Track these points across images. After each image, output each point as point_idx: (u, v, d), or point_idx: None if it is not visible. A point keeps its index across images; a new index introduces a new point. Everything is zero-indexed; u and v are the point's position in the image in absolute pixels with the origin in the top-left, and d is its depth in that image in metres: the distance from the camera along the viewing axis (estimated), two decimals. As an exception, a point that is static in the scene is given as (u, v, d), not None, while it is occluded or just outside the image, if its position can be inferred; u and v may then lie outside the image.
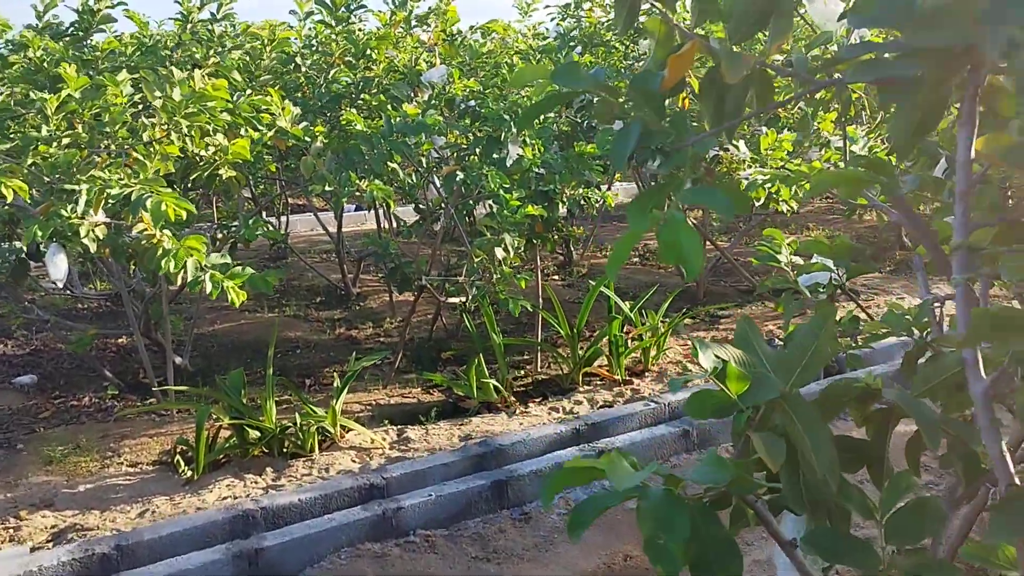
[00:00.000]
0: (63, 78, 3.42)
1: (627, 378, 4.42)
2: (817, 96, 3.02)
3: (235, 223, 4.15)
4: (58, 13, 4.42)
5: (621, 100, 1.17)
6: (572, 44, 6.06)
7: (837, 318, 1.57)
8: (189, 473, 3.47)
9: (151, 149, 3.45)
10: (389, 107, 4.41)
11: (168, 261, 3.13)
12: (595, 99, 1.22)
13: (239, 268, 3.30)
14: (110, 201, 3.26)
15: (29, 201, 3.31)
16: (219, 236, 4.17)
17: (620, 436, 3.76)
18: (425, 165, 4.43)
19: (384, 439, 3.75)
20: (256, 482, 3.40)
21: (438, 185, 4.54)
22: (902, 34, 0.95)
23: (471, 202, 4.49)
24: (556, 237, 4.60)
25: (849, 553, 1.07)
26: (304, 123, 4.21)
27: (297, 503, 3.16)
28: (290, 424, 3.63)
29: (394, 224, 6.76)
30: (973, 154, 0.85)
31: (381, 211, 6.19)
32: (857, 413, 1.25)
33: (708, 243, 5.82)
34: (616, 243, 0.97)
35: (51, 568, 2.78)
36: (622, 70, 5.60)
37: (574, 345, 4.46)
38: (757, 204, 4.35)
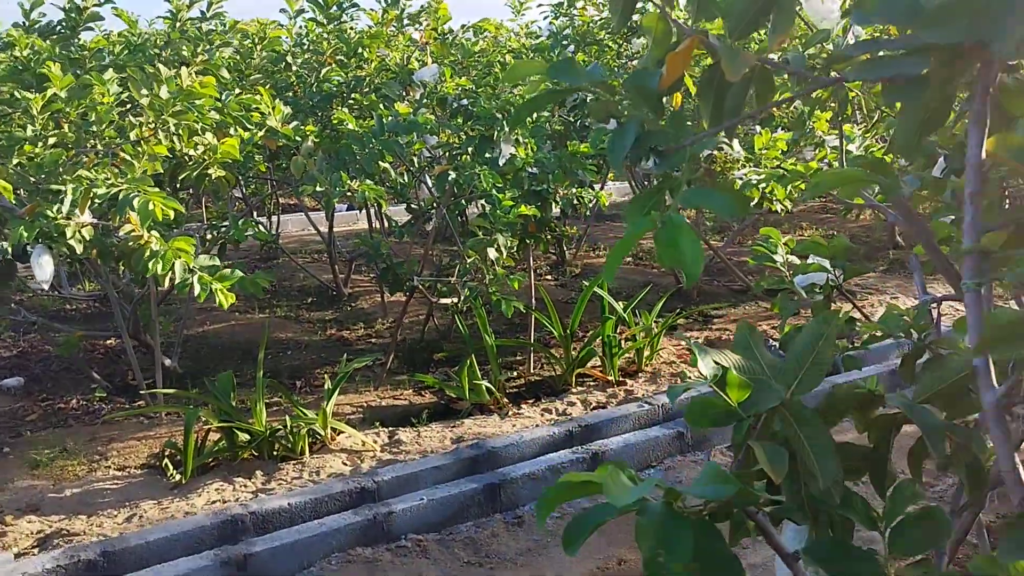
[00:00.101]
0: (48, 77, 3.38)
1: (620, 379, 4.39)
2: (813, 95, 2.99)
3: (225, 223, 4.10)
4: (45, 11, 4.37)
5: (617, 98, 1.13)
6: (565, 43, 6.02)
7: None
8: (177, 477, 3.43)
9: (139, 149, 3.40)
10: (381, 106, 4.37)
11: (155, 263, 3.09)
12: (589, 97, 1.20)
13: (228, 270, 3.26)
14: (96, 201, 3.22)
15: (14, 202, 3.26)
16: (208, 237, 4.12)
17: (614, 438, 3.73)
18: (417, 164, 4.40)
19: (375, 441, 3.71)
20: (245, 486, 3.35)
21: (430, 185, 4.50)
22: (909, 31, 0.92)
23: (463, 202, 4.46)
24: (549, 237, 4.56)
25: (852, 565, 1.04)
26: (295, 123, 4.17)
27: (287, 507, 3.12)
28: (280, 426, 3.59)
29: (386, 224, 6.72)
30: (984, 154, 0.82)
31: (373, 211, 6.15)
32: (859, 419, 1.22)
33: (702, 243, 5.78)
34: (613, 247, 0.94)
35: (36, 575, 2.74)
36: (615, 69, 5.57)
37: (567, 346, 4.43)
38: (751, 204, 4.32)
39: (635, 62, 5.77)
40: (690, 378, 4.40)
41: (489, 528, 3.22)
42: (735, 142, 4.52)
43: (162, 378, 4.12)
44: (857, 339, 2.03)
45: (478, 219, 4.04)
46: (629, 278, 6.25)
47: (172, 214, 3.19)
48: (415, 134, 4.00)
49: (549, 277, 6.49)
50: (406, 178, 4.43)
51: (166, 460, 3.54)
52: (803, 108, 3.96)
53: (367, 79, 4.82)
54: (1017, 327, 0.69)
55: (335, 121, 4.19)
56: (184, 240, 3.19)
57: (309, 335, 5.27)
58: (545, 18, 7.05)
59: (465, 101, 4.36)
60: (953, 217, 1.94)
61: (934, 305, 1.69)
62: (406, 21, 5.39)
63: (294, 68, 5.11)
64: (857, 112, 4.21)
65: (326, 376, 4.28)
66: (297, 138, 4.08)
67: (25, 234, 3.05)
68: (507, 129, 3.93)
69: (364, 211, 6.14)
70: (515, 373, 4.56)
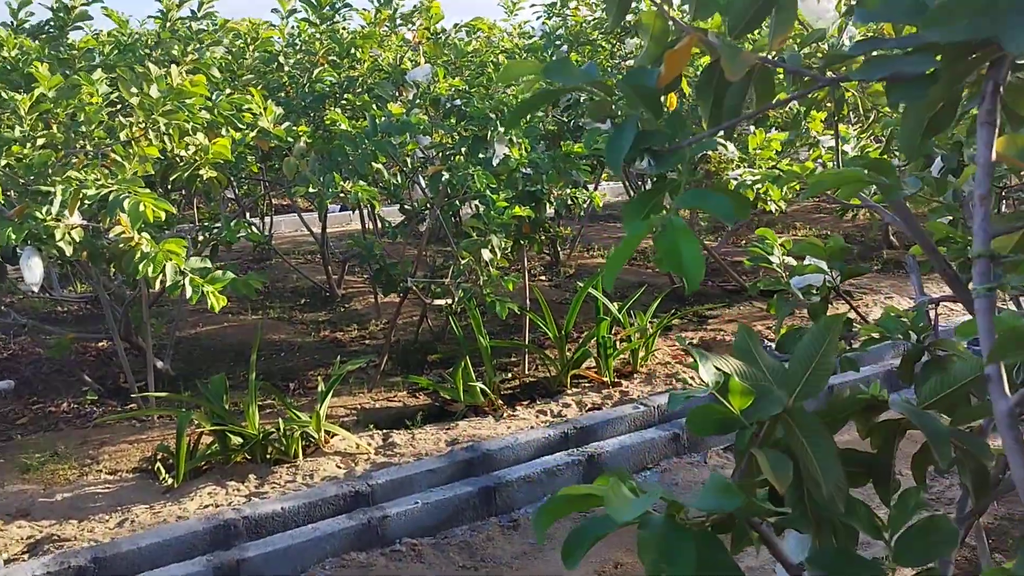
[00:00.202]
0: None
1: (616, 380, 4.37)
2: (810, 95, 2.97)
3: (217, 225, 4.07)
4: (33, 10, 4.33)
5: (615, 98, 1.11)
6: (558, 43, 6.01)
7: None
8: (170, 481, 3.39)
9: (129, 150, 3.37)
10: (374, 107, 4.34)
11: (146, 265, 3.05)
12: (583, 97, 1.18)
13: (220, 272, 3.23)
14: (86, 202, 3.18)
15: (3, 203, 3.23)
16: (200, 238, 4.09)
17: (610, 440, 3.70)
18: (410, 165, 4.37)
19: (369, 444, 3.68)
20: (238, 490, 3.32)
21: (423, 185, 4.48)
22: (916, 28, 0.90)
23: (457, 202, 4.43)
24: (543, 238, 4.54)
25: (857, 574, 1.02)
26: (287, 123, 4.14)
27: (280, 512, 3.09)
28: (273, 429, 3.56)
29: (379, 225, 6.69)
30: (994, 156, 0.80)
31: (366, 212, 6.12)
32: (861, 424, 1.20)
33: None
34: (612, 252, 0.92)
35: (26, 582, 2.70)
36: (608, 69, 5.55)
37: (562, 347, 4.41)
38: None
39: (629, 62, 5.75)
40: (685, 378, 4.38)
41: (484, 532, 3.19)
42: (729, 142, 4.51)
43: (154, 380, 4.09)
44: (856, 340, 2.01)
45: (472, 220, 4.01)
46: (623, 278, 6.23)
47: (163, 215, 3.16)
48: (408, 135, 3.97)
49: (543, 278, 6.47)
50: (399, 179, 4.41)
51: (158, 464, 3.50)
52: (798, 108, 3.94)
53: (360, 79, 4.80)
54: (1030, 334, 0.68)
55: (328, 122, 4.16)
56: (175, 242, 3.15)
57: (302, 337, 5.24)
58: (538, 18, 7.03)
59: (458, 101, 4.34)
60: (951, 218, 1.93)
61: (931, 306, 1.67)
62: (399, 21, 5.36)
63: (286, 68, 5.08)
64: (852, 113, 4.20)
65: (319, 378, 4.25)
66: (289, 139, 4.05)
67: (13, 236, 3.01)
68: (501, 129, 3.90)
69: (357, 212, 6.12)
70: (510, 374, 4.53)
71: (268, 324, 5.41)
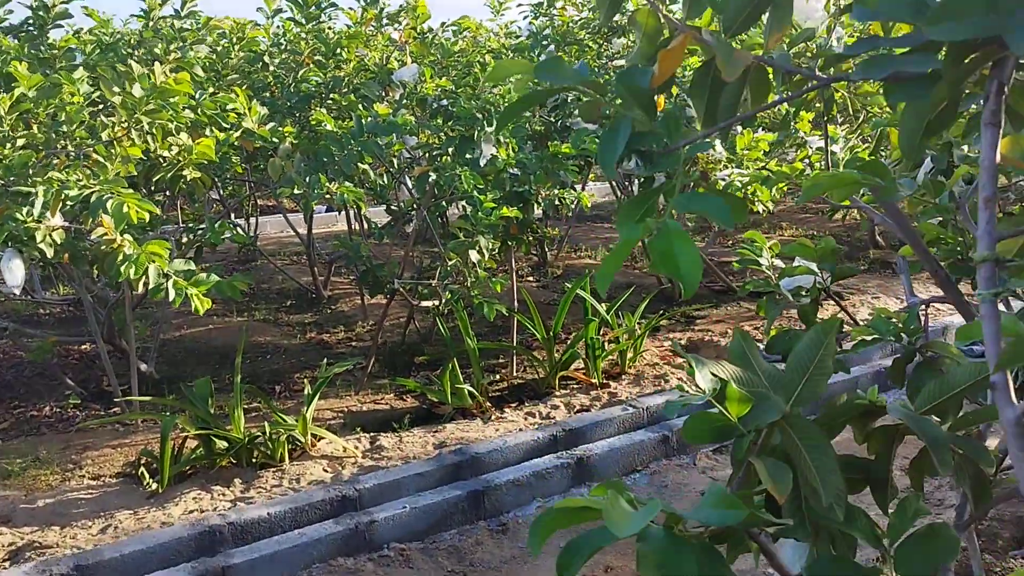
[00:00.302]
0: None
1: (604, 381, 4.35)
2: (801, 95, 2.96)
3: (201, 226, 4.02)
4: (12, 8, 4.27)
5: (608, 97, 1.08)
6: (545, 43, 5.98)
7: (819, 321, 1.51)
8: (154, 486, 3.35)
9: (111, 150, 3.32)
10: (360, 107, 4.31)
11: (128, 267, 3.01)
12: (571, 97, 1.15)
13: (204, 274, 3.19)
14: (68, 204, 3.13)
15: (-18, 205, 3.17)
16: (184, 239, 4.04)
17: (599, 442, 3.69)
18: (397, 166, 4.33)
19: (356, 447, 3.65)
20: (224, 495, 3.28)
21: (410, 186, 4.44)
22: (912, 27, 0.88)
23: (444, 203, 4.40)
24: (531, 238, 4.51)
25: (856, 584, 1.00)
26: (272, 124, 4.10)
27: (266, 517, 3.05)
28: (259, 433, 3.52)
29: (365, 226, 6.65)
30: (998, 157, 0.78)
31: (352, 213, 6.07)
32: (859, 430, 1.18)
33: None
34: (607, 256, 0.89)
35: (6, 590, 2.66)
36: (595, 69, 5.53)
37: (550, 348, 4.38)
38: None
39: (616, 62, 5.73)
40: (673, 380, 4.36)
41: (473, 536, 3.17)
42: (717, 142, 4.50)
43: (138, 384, 4.04)
44: (846, 342, 2.00)
45: (459, 221, 3.99)
46: (612, 280, 6.20)
47: (147, 216, 3.12)
48: (395, 135, 3.94)
49: (531, 279, 6.45)
50: (386, 179, 4.37)
51: (142, 468, 3.46)
52: (788, 109, 3.93)
53: (346, 79, 4.76)
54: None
55: (313, 122, 4.12)
56: (158, 244, 3.11)
57: (288, 339, 5.19)
58: (525, 18, 7.01)
59: (445, 101, 4.31)
60: (941, 219, 1.92)
61: (922, 308, 1.66)
62: (385, 20, 5.32)
63: (271, 68, 5.03)
64: (840, 114, 4.19)
65: (306, 381, 4.21)
66: (275, 139, 4.00)
67: (-7, 238, 2.96)
68: (488, 129, 3.87)
69: (344, 213, 6.07)
70: (498, 376, 4.50)
71: (253, 326, 5.36)
